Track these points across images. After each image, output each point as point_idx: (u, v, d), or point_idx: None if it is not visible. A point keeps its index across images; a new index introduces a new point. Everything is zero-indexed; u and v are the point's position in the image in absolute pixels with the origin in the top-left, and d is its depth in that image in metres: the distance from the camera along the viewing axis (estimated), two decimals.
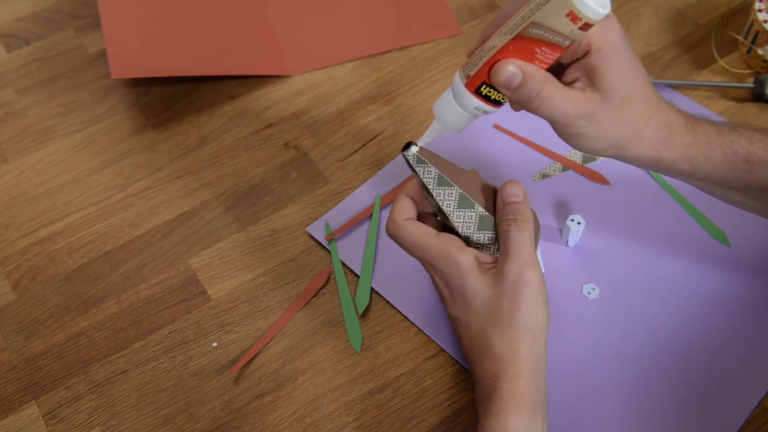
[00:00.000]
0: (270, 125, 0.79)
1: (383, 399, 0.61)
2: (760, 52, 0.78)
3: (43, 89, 0.83)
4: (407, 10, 0.88)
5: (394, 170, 0.74)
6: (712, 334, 0.62)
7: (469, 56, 0.52)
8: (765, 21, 0.77)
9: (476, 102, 0.52)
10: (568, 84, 0.51)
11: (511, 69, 0.49)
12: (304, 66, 0.84)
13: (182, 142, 0.78)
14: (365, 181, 0.74)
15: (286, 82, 0.83)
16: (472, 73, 0.51)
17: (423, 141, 0.55)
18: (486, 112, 0.53)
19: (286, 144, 0.77)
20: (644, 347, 0.62)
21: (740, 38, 0.82)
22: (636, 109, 0.52)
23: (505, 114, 0.76)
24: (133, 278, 0.68)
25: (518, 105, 0.52)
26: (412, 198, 0.57)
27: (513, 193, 0.55)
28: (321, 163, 0.75)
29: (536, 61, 0.49)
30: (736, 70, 0.81)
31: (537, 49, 0.48)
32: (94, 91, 0.83)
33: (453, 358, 0.62)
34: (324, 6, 0.89)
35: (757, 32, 0.78)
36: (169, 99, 0.82)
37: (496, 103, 0.52)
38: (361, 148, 0.77)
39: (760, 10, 0.78)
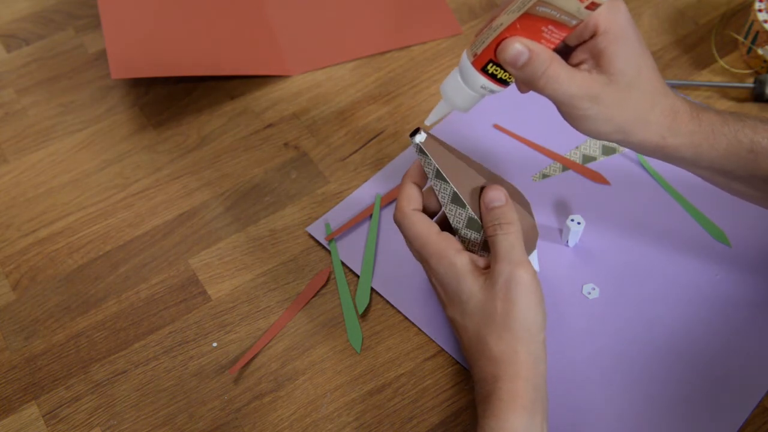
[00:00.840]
0: (270, 125, 0.79)
1: (383, 399, 0.61)
2: (760, 52, 0.78)
3: (43, 89, 0.83)
4: (407, 10, 0.88)
5: (394, 170, 0.74)
6: (713, 335, 0.62)
7: (477, 35, 0.52)
8: (765, 21, 0.77)
9: (483, 80, 0.52)
10: (575, 66, 0.51)
11: (517, 47, 0.49)
12: (304, 66, 0.84)
13: (182, 142, 0.78)
14: (365, 181, 0.74)
15: (286, 82, 0.83)
16: (479, 51, 0.51)
17: (429, 120, 0.56)
18: (492, 92, 0.53)
19: (286, 144, 0.77)
20: (644, 347, 0.62)
21: (740, 38, 0.82)
22: (642, 93, 0.52)
23: (505, 114, 0.77)
24: (133, 278, 0.68)
25: (524, 84, 0.52)
26: (416, 183, 0.58)
27: (495, 197, 0.55)
28: (321, 163, 0.75)
29: (543, 41, 0.49)
30: (736, 70, 0.81)
31: (544, 28, 0.48)
32: (94, 91, 0.83)
33: (453, 358, 0.62)
34: (324, 6, 0.89)
35: (757, 32, 0.78)
36: (169, 99, 0.82)
37: (503, 82, 0.52)
38: (361, 148, 0.77)
39: (760, 10, 0.78)
